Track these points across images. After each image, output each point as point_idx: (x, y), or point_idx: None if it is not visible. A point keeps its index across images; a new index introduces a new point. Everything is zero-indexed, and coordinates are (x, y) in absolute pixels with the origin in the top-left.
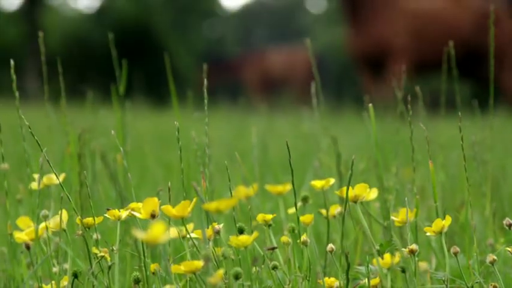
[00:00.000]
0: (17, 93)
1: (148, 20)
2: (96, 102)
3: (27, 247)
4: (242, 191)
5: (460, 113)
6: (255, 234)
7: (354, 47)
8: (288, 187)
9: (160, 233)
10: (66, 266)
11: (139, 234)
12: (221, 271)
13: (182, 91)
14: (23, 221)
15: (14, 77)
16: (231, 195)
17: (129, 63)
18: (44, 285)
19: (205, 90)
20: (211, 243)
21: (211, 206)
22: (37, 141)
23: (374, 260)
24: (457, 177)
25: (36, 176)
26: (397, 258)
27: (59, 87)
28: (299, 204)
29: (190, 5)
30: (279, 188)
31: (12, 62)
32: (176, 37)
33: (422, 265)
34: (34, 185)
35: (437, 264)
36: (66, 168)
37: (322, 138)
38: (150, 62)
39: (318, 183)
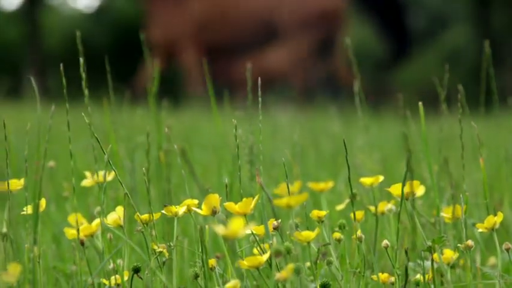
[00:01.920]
0: (86, 91)
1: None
2: (101, 101)
3: (82, 243)
4: (284, 189)
5: None
6: (318, 229)
7: (152, 38)
8: (330, 184)
9: (239, 227)
10: (121, 261)
11: (218, 230)
12: (291, 265)
13: (183, 90)
14: (75, 218)
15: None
16: (288, 192)
17: (129, 63)
18: (104, 280)
19: (259, 90)
20: (274, 239)
21: (282, 201)
22: (97, 138)
23: (435, 255)
24: (493, 176)
25: (88, 173)
26: (456, 254)
27: (57, 86)
28: (347, 201)
29: None
30: (321, 185)
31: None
32: None
33: (491, 260)
34: (85, 182)
35: (482, 260)
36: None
37: (360, 136)
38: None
39: (367, 180)
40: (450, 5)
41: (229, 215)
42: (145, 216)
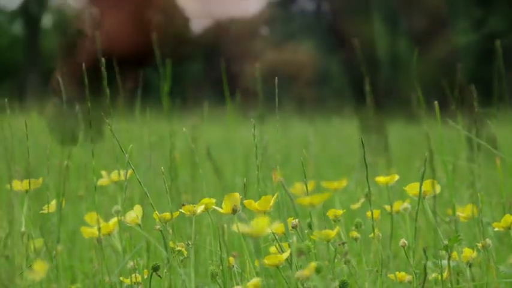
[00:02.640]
0: (107, 90)
1: None
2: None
3: (100, 242)
4: (299, 188)
5: None
6: (338, 228)
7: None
8: (344, 183)
9: (264, 226)
10: (140, 260)
11: (243, 228)
12: (313, 264)
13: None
14: (92, 217)
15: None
16: (307, 192)
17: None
18: (124, 278)
19: (276, 91)
20: (294, 238)
21: (305, 200)
22: (117, 139)
23: (454, 254)
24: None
25: (104, 172)
26: (475, 253)
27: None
28: (362, 200)
29: None
30: (335, 184)
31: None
32: None
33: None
34: (102, 181)
35: (497, 259)
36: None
37: (371, 137)
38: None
39: (382, 179)
40: (450, 5)
41: (246, 213)
42: (166, 215)
